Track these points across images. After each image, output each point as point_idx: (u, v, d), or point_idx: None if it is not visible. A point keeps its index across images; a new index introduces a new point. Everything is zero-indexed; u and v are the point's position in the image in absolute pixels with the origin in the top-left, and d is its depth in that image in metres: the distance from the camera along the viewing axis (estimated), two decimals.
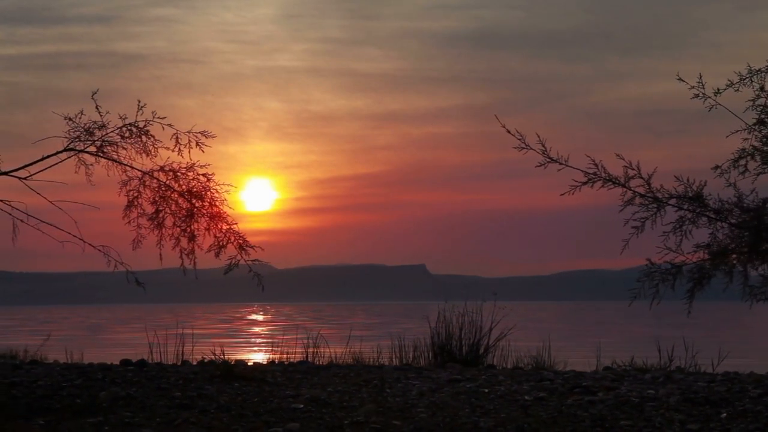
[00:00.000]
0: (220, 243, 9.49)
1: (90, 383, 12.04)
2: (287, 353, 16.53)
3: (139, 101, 9.56)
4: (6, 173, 9.60)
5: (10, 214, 9.61)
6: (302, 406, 10.45)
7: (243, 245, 9.48)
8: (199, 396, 11.20)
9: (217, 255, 9.56)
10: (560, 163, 7.17)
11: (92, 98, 9.41)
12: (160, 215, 9.46)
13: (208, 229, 9.49)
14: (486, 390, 11.78)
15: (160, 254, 9.57)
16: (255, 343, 43.08)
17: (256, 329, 66.50)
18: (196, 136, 9.63)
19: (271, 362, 15.76)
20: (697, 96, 8.74)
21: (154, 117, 9.55)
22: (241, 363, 14.39)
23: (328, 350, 16.57)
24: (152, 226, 9.52)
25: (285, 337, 17.51)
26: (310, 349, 16.51)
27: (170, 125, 9.58)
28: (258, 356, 22.36)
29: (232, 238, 9.54)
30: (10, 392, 11.39)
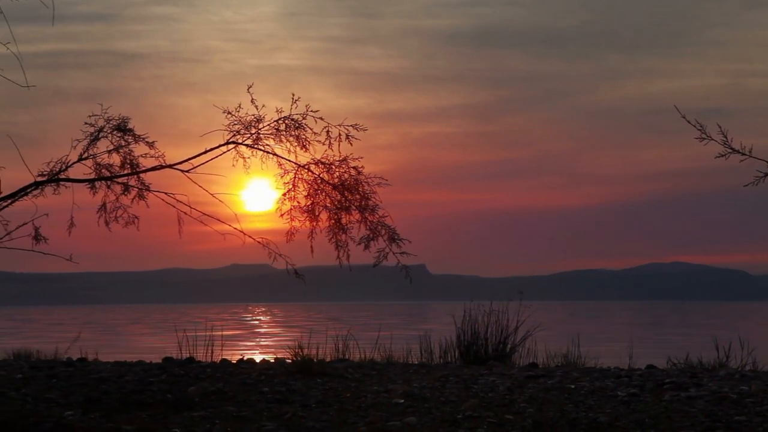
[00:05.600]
0: (371, 235, 9.41)
1: (174, 378, 12.01)
2: (318, 352, 16.44)
3: (293, 94, 9.57)
4: (170, 166, 9.59)
5: (174, 207, 9.57)
6: (402, 401, 10.41)
7: (393, 237, 9.42)
8: (289, 391, 11.16)
9: (366, 247, 9.50)
10: (743, 154, 7.12)
11: (248, 92, 9.43)
12: (316, 208, 9.42)
13: (359, 222, 9.44)
14: (572, 386, 11.72)
15: (311, 246, 9.52)
16: (280, 342, 42.97)
17: (275, 329, 66.41)
18: (347, 129, 9.68)
19: (339, 359, 15.71)
20: None
21: (307, 110, 9.53)
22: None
23: (358, 352, 16.49)
24: (306, 218, 9.50)
25: (304, 336, 17.40)
26: (346, 348, 16.43)
27: (321, 118, 9.60)
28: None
29: (383, 231, 9.48)
30: (99, 387, 11.35)
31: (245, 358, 16.27)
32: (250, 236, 9.45)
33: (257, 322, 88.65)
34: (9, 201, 9.17)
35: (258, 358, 16.66)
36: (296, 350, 13.99)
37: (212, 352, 16.21)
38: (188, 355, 15.91)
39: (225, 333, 17.80)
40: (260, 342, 45.53)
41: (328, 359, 15.89)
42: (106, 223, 9.66)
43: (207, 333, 16.57)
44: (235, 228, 9.50)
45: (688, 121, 6.93)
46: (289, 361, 14.79)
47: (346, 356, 16.34)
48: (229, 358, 16.25)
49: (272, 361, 15.44)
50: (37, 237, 9.39)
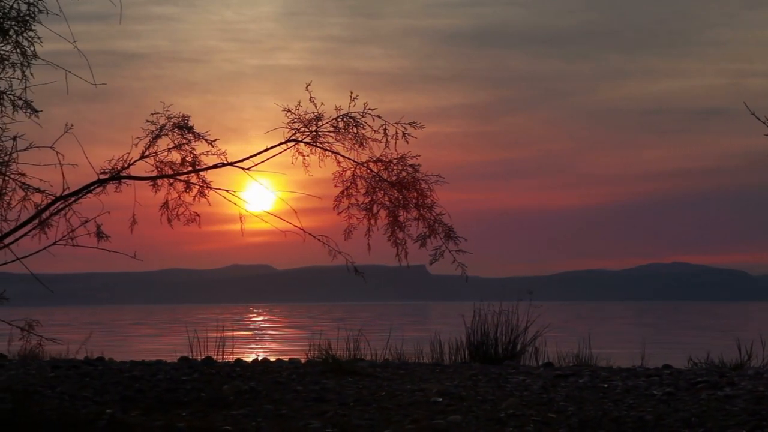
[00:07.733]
0: (426, 233, 9.42)
1: (207, 377, 11.99)
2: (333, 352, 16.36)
3: (352, 92, 9.60)
4: (231, 164, 9.60)
5: (235, 204, 9.57)
6: (440, 399, 10.38)
7: (450, 235, 9.40)
8: (323, 390, 11.13)
9: (422, 245, 9.50)
10: None
11: (306, 89, 9.43)
12: (374, 206, 9.43)
13: (417, 219, 9.45)
14: (605, 385, 11.69)
15: (369, 244, 9.51)
16: (289, 343, 42.92)
17: (280, 330, 66.35)
18: (404, 127, 9.67)
19: (354, 359, 15.67)
20: None
21: (365, 109, 9.55)
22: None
23: (370, 353, 16.46)
24: (364, 216, 9.52)
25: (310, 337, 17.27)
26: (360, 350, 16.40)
27: (378, 116, 9.67)
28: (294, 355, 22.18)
29: (439, 228, 9.47)
30: (134, 386, 11.33)
31: (260, 359, 16.24)
32: (311, 234, 9.44)
33: (260, 322, 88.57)
34: (73, 198, 9.18)
35: (272, 358, 16.63)
36: (325, 350, 13.95)
37: (223, 353, 16.18)
38: (204, 356, 15.90)
39: (231, 334, 17.71)
40: (268, 343, 45.47)
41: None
42: (169, 221, 9.68)
43: (218, 334, 16.54)
44: (295, 226, 9.50)
45: (758, 118, 6.91)
46: (303, 360, 14.78)
47: (357, 356, 16.33)
48: (241, 357, 16.24)
49: (287, 360, 15.42)
50: (99, 234, 9.39)
